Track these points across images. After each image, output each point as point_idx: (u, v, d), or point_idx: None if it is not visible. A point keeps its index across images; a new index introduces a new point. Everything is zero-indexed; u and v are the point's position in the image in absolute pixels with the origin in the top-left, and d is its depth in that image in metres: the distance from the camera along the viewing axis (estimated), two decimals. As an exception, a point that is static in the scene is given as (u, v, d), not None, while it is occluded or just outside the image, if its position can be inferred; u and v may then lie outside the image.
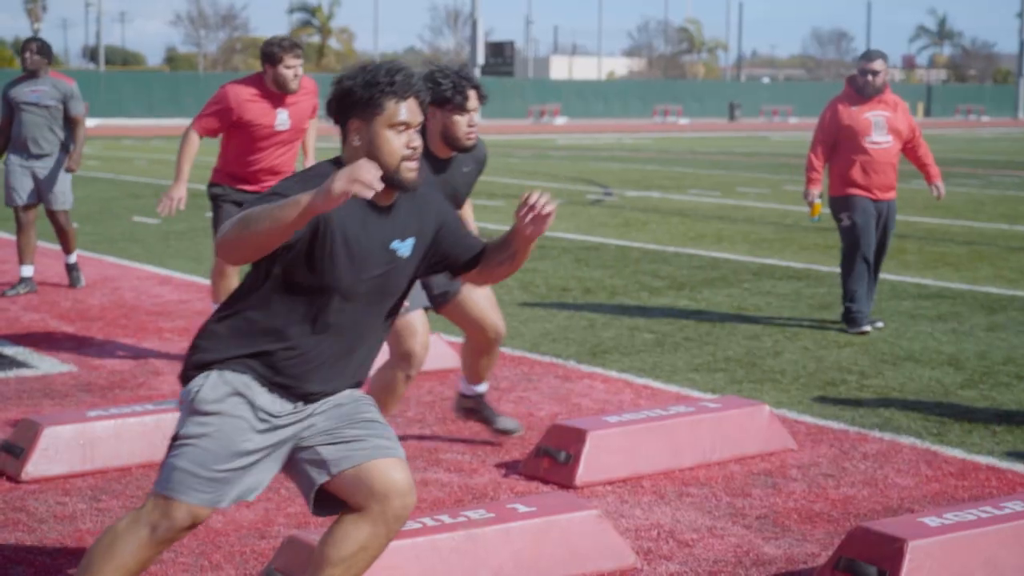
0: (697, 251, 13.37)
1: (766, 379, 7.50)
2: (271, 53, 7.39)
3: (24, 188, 10.39)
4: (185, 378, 3.66)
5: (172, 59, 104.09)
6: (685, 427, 5.81)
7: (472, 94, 5.36)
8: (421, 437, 6.22)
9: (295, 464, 3.68)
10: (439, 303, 5.85)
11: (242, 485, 3.59)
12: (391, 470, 3.56)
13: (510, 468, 5.73)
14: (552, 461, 5.54)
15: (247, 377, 3.60)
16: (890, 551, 4.13)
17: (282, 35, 7.59)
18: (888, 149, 8.94)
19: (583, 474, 5.46)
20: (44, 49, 10.38)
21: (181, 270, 11.82)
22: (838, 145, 8.99)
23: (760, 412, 6.04)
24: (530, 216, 3.69)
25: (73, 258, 10.82)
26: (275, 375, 3.61)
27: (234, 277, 7.53)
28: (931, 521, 4.30)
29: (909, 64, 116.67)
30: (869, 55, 9.02)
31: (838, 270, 11.86)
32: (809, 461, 5.84)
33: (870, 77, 8.90)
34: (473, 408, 6.14)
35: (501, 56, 79.90)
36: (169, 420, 5.81)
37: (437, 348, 7.70)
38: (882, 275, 11.61)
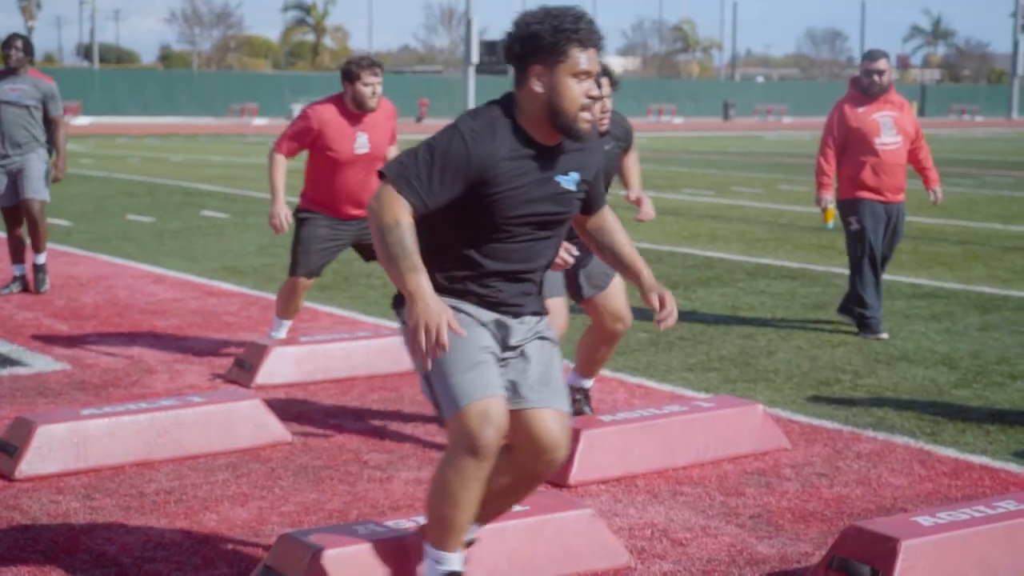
0: (691, 250, 13.37)
1: (760, 378, 7.50)
2: (349, 70, 7.39)
3: (2, 187, 10.10)
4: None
5: (166, 57, 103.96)
6: (679, 426, 5.81)
7: (604, 81, 5.44)
8: (415, 436, 6.22)
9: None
10: (584, 298, 6.07)
11: (491, 356, 3.79)
12: (555, 425, 3.85)
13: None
14: (546, 460, 5.53)
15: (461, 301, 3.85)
16: (883, 550, 4.13)
17: (363, 53, 7.71)
18: (897, 150, 8.78)
19: (577, 473, 5.46)
20: (28, 47, 10.14)
21: (175, 268, 11.81)
22: (847, 147, 8.83)
23: (754, 411, 6.05)
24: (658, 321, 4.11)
25: (42, 258, 10.35)
26: (483, 298, 3.86)
27: (302, 299, 7.59)
28: (924, 520, 4.31)
29: (903, 64, 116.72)
30: (872, 55, 8.87)
31: (833, 270, 11.90)
32: (803, 460, 5.85)
33: (875, 77, 8.76)
34: (575, 400, 6.21)
35: (495, 55, 79.85)
36: (163, 418, 5.82)
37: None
38: (876, 275, 11.63)
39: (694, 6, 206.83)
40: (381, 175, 3.68)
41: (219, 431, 5.92)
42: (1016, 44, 75.65)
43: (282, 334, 7.70)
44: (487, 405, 3.66)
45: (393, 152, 7.81)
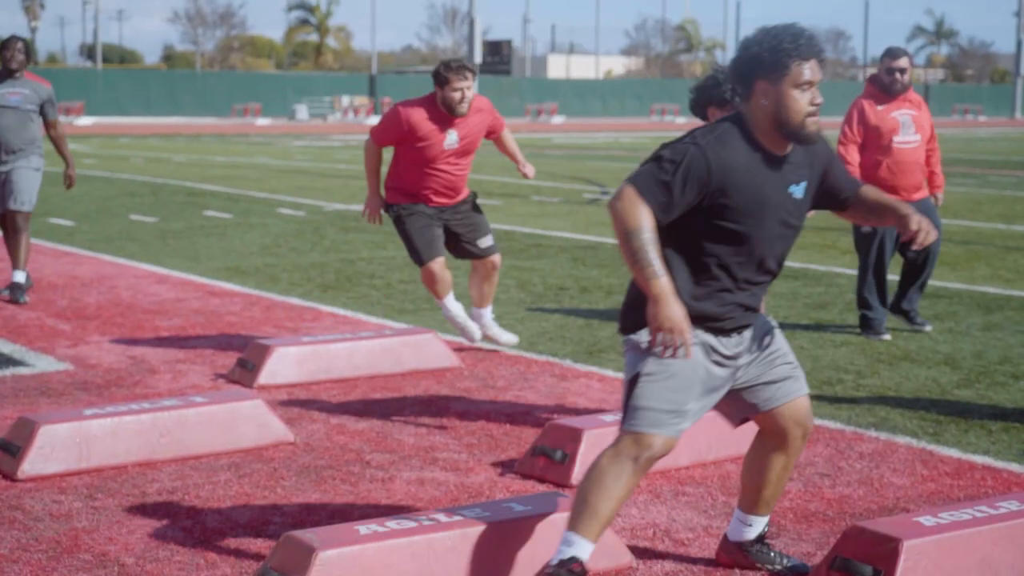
0: (694, 250, 13.34)
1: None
2: (438, 74, 7.39)
3: None
4: (633, 327, 4.11)
5: (169, 57, 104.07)
6: (681, 426, 5.80)
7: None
8: (417, 436, 6.22)
9: (729, 396, 4.27)
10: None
11: (692, 414, 4.11)
12: (806, 407, 4.33)
13: (506, 467, 5.73)
14: (548, 460, 5.54)
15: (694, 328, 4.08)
16: (885, 550, 4.13)
17: (456, 58, 7.61)
18: (916, 148, 8.67)
19: (579, 473, 5.45)
20: (29, 50, 9.86)
21: (178, 268, 11.81)
22: (865, 145, 8.71)
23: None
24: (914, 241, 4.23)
25: (21, 276, 9.94)
26: (718, 318, 4.11)
27: (447, 274, 7.75)
28: (926, 520, 4.31)
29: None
30: (893, 52, 8.71)
31: (835, 270, 11.91)
32: (805, 460, 5.84)
33: (897, 75, 8.63)
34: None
35: (498, 55, 79.90)
36: (166, 418, 5.83)
37: (433, 347, 7.71)
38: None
39: (697, 6, 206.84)
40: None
41: (222, 431, 5.92)
42: (1020, 44, 75.59)
43: (453, 307, 7.91)
44: (665, 442, 4.05)
45: (504, 135, 7.93)
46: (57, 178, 22.61)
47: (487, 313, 8.09)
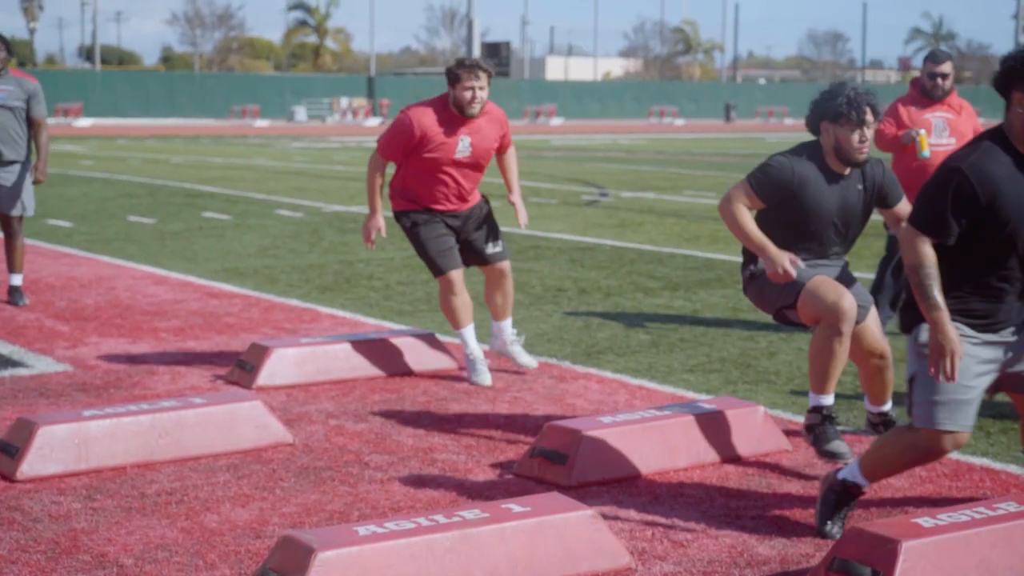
0: (692, 252, 13.37)
1: (761, 380, 7.50)
2: (450, 73, 7.08)
3: None
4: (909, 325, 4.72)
5: (168, 59, 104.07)
6: (680, 428, 5.81)
7: (867, 110, 5.56)
8: (416, 437, 6.23)
9: (1007, 377, 4.75)
10: None
11: (975, 404, 4.63)
12: None
13: (505, 468, 5.73)
14: (547, 461, 5.54)
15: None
16: (884, 552, 4.13)
17: (472, 57, 7.28)
18: (948, 152, 8.14)
19: (578, 474, 5.46)
20: (8, 45, 9.61)
21: (176, 270, 11.82)
22: (897, 147, 8.56)
23: (755, 413, 6.05)
24: None
25: (18, 279, 9.87)
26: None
27: (466, 293, 7.34)
28: (925, 522, 4.31)
29: (905, 66, 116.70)
30: (937, 57, 8.58)
31: (833, 271, 11.89)
32: (804, 462, 5.85)
33: (939, 80, 8.50)
34: (873, 424, 6.17)
35: (497, 56, 79.93)
36: (164, 419, 5.83)
37: (432, 349, 7.71)
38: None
39: (695, 7, 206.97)
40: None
41: (220, 432, 5.92)
42: (1018, 46, 75.67)
43: (474, 345, 7.37)
44: (956, 438, 4.63)
45: (513, 157, 7.64)
46: (56, 179, 22.64)
47: (507, 327, 7.60)
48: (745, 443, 5.92)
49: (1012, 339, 4.67)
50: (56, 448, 5.53)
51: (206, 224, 15.82)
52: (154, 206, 18.22)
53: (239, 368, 7.33)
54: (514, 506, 4.54)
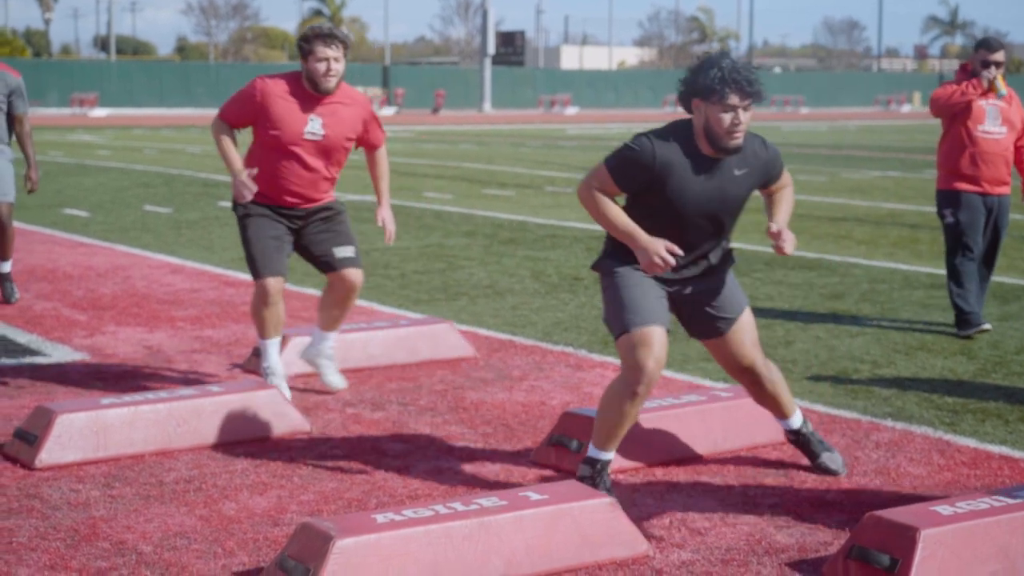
0: (708, 241, 13.32)
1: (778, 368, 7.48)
2: (303, 42, 6.32)
3: None
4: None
5: (183, 49, 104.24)
6: (697, 416, 5.81)
7: (745, 88, 4.89)
8: (433, 426, 6.23)
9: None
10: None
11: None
12: None
13: (522, 456, 5.73)
14: (564, 449, 5.54)
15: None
16: (903, 539, 4.13)
17: (327, 24, 6.44)
18: (1001, 140, 8.37)
19: (595, 462, 5.45)
20: None
21: (193, 259, 11.84)
22: (947, 133, 8.45)
23: (772, 401, 6.03)
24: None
25: (7, 266, 9.54)
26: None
27: (281, 304, 6.56)
28: (943, 509, 4.30)
29: (921, 54, 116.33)
30: (990, 44, 8.39)
31: (850, 260, 11.88)
32: (821, 450, 5.83)
33: (993, 68, 8.33)
34: (792, 442, 5.61)
35: (512, 46, 79.80)
36: (182, 408, 5.84)
37: (449, 337, 7.71)
38: (895, 265, 11.61)
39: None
40: None
41: (238, 420, 5.93)
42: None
43: (275, 361, 6.62)
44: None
45: (383, 160, 6.76)
46: (72, 169, 22.70)
47: (330, 341, 6.84)
48: (762, 431, 5.91)
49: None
50: (74, 436, 5.55)
51: (222, 213, 15.83)
52: (170, 195, 18.25)
53: (256, 356, 7.34)
54: (532, 494, 4.54)
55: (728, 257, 5.24)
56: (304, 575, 4.03)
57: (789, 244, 4.94)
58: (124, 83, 62.88)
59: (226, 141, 6.50)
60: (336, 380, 6.86)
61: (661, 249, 4.80)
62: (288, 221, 6.54)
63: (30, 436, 5.56)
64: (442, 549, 4.21)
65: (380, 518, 4.25)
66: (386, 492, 5.24)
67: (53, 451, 5.49)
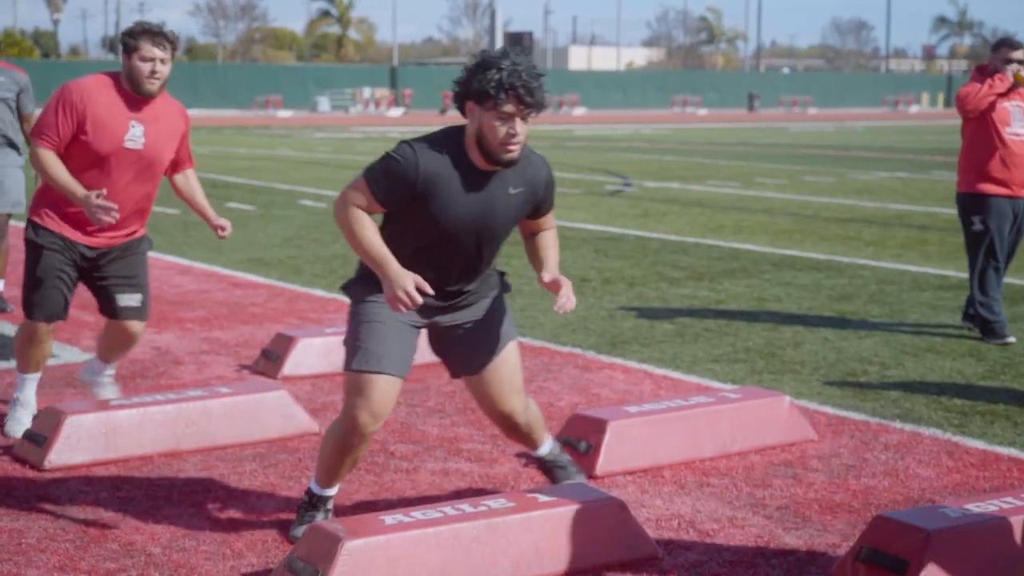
0: (716, 242, 13.35)
1: (786, 370, 7.49)
2: (126, 40, 5.54)
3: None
4: None
5: (191, 50, 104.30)
6: (705, 418, 5.80)
7: (524, 96, 4.26)
8: (441, 427, 6.23)
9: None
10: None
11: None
12: None
13: (531, 458, 5.73)
14: (572, 451, 5.54)
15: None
16: (912, 541, 4.12)
17: (153, 23, 5.66)
18: None
19: (604, 464, 5.46)
20: None
21: (201, 260, 11.85)
22: (973, 136, 8.29)
23: (780, 403, 6.04)
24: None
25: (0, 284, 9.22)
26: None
27: (49, 343, 5.93)
28: (952, 511, 4.29)
29: (929, 55, 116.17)
30: (1012, 43, 8.26)
31: (858, 261, 11.87)
32: (830, 452, 5.83)
33: (1015, 65, 8.20)
34: (542, 470, 5.15)
35: (520, 46, 79.76)
36: (191, 409, 5.85)
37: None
38: (903, 266, 11.60)
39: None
40: None
41: (247, 422, 5.94)
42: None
43: (29, 393, 6.05)
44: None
45: (191, 176, 6.12)
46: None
47: (109, 372, 6.35)
48: (771, 433, 5.91)
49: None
50: (83, 437, 5.55)
51: (230, 214, 15.84)
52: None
53: (265, 358, 7.35)
54: (540, 495, 4.54)
55: (494, 283, 4.71)
56: (313, 577, 4.03)
57: (570, 298, 4.43)
58: (132, 84, 62.88)
59: (57, 164, 5.55)
60: (113, 393, 6.33)
61: (409, 284, 4.16)
62: (81, 254, 5.78)
63: (39, 437, 5.57)
64: (451, 551, 4.21)
65: (389, 519, 4.25)
66: (394, 493, 5.24)
67: (62, 452, 5.50)
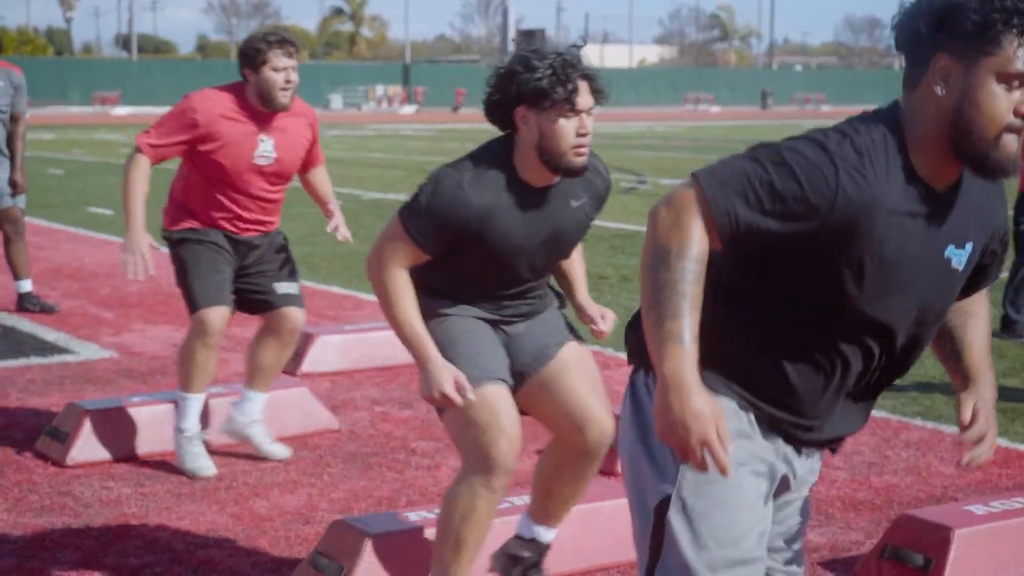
0: (732, 239, 13.31)
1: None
2: (251, 52, 5.26)
3: None
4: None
5: (204, 47, 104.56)
6: (726, 415, 5.78)
7: (586, 86, 3.69)
8: (461, 424, 6.23)
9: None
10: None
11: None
12: None
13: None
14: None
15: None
16: (936, 539, 4.12)
17: (274, 30, 5.46)
18: None
19: (621, 461, 5.44)
20: None
21: (218, 257, 11.84)
22: None
23: (801, 400, 6.01)
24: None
25: (28, 285, 9.08)
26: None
27: (216, 348, 5.44)
28: (977, 509, 4.29)
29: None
30: None
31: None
32: (851, 449, 5.82)
33: None
34: (519, 558, 4.16)
35: (531, 43, 79.86)
36: (209, 406, 5.85)
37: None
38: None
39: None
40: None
41: (267, 418, 5.93)
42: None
43: (194, 419, 5.44)
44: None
45: (321, 173, 5.97)
46: (96, 167, 22.77)
47: (259, 402, 5.63)
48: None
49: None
50: (105, 434, 5.57)
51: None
52: (193, 194, 18.28)
53: (283, 355, 7.34)
54: (563, 492, 4.53)
55: (550, 300, 4.03)
56: (338, 572, 4.04)
57: (608, 320, 4.02)
58: (146, 81, 63.04)
59: (138, 187, 5.53)
60: (277, 449, 5.64)
61: (448, 386, 3.53)
62: (232, 249, 5.61)
63: (61, 434, 5.58)
64: (474, 547, 4.20)
65: (413, 516, 4.26)
66: (416, 490, 5.24)
67: (84, 449, 5.51)
